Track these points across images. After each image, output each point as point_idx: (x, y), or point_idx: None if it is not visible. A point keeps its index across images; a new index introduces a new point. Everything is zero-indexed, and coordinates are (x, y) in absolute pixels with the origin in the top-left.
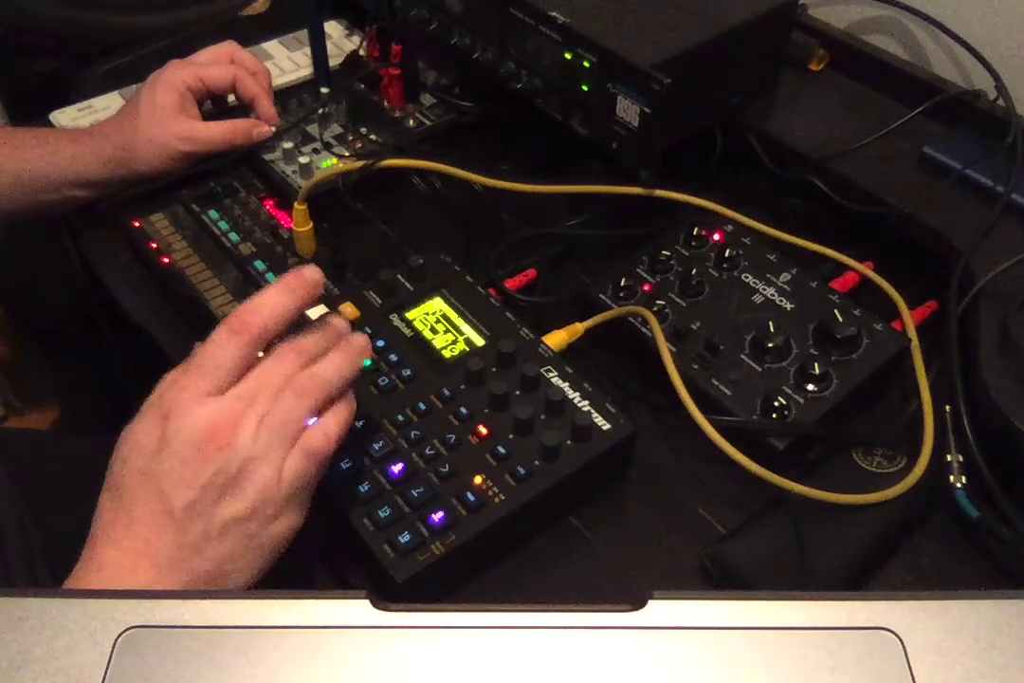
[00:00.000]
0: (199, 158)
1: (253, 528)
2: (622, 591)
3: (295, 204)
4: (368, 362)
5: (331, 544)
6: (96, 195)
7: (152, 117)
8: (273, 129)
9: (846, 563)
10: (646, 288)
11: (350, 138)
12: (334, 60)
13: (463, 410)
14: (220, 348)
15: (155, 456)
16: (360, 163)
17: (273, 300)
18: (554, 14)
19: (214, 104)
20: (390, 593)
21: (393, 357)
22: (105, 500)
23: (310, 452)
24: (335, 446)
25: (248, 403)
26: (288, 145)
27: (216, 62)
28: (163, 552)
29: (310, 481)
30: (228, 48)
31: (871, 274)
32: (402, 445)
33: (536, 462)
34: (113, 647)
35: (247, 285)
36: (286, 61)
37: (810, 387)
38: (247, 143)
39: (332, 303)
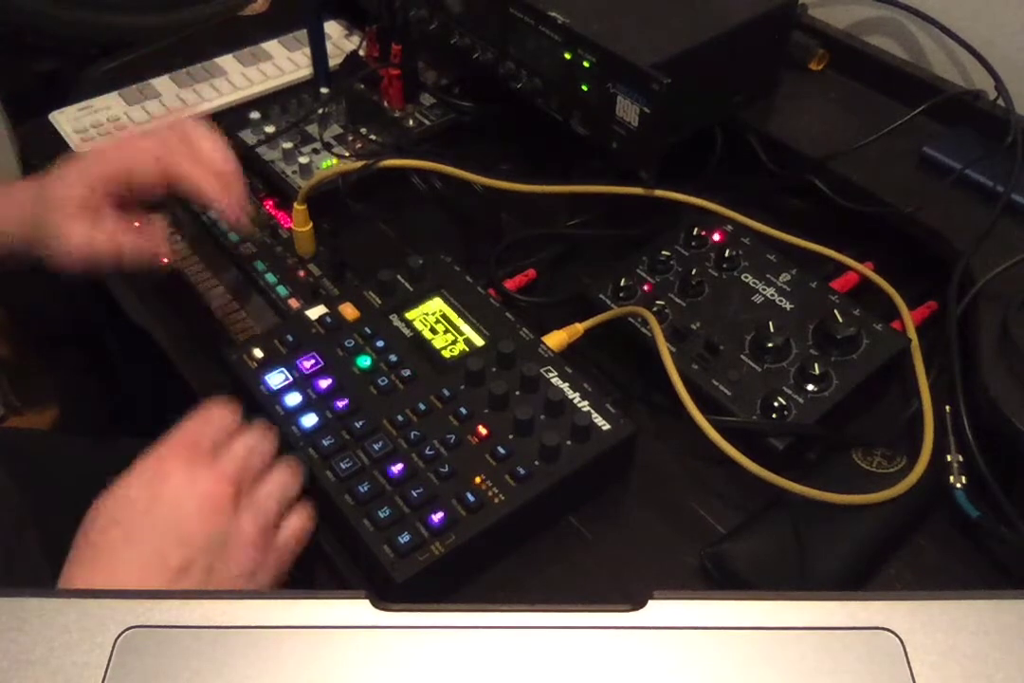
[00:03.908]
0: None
1: (253, 585)
2: (622, 591)
3: (295, 204)
4: (368, 362)
5: (331, 544)
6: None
7: (53, 208)
8: (165, 260)
9: (846, 563)
10: (646, 288)
11: (350, 138)
12: (334, 60)
13: (463, 410)
14: (210, 422)
15: (147, 514)
16: (360, 163)
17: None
18: (554, 14)
19: None
20: (390, 593)
21: (393, 357)
22: (79, 556)
23: (300, 528)
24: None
25: (237, 483)
26: (288, 145)
27: (155, 155)
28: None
29: (300, 548)
30: (183, 131)
31: (871, 274)
32: (402, 445)
33: (536, 462)
34: (113, 647)
35: (247, 285)
36: (286, 61)
37: (810, 387)
38: (138, 266)
39: (332, 303)
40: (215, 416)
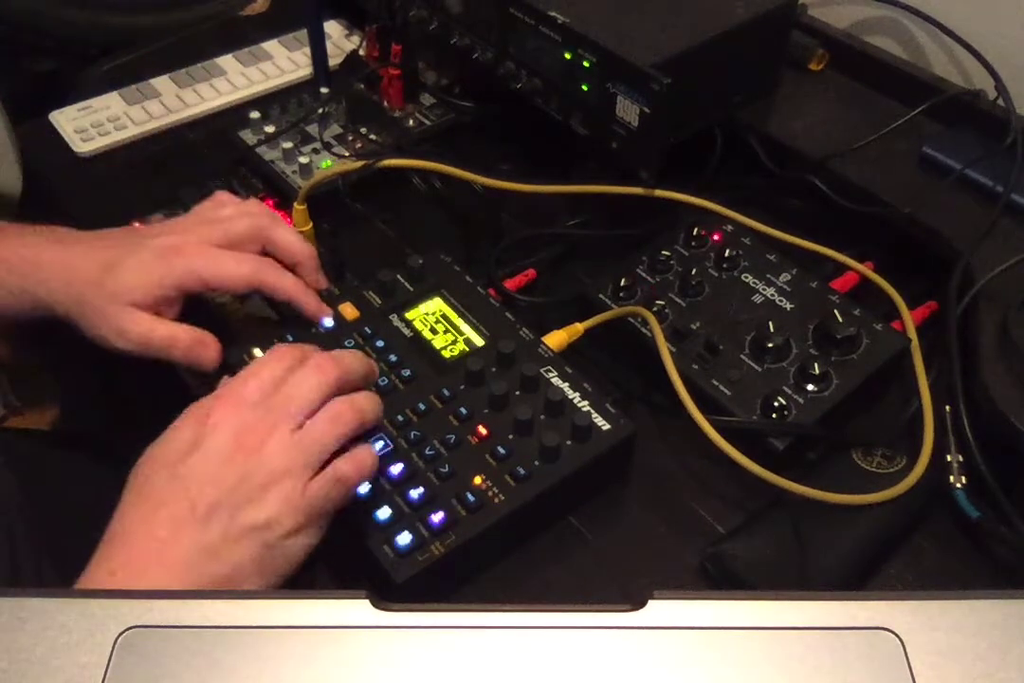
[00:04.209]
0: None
1: (270, 538)
2: (622, 591)
3: (295, 204)
4: None
5: (331, 544)
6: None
7: (118, 297)
8: (215, 357)
9: (846, 563)
10: (646, 288)
11: (350, 138)
12: (334, 60)
13: (463, 410)
14: (265, 367)
15: (186, 457)
16: (360, 163)
17: (348, 358)
18: (554, 14)
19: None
20: (390, 593)
21: (393, 357)
22: (128, 500)
23: (337, 478)
24: (363, 479)
25: (281, 415)
26: (288, 145)
27: (245, 279)
28: (179, 554)
29: (332, 505)
30: (260, 226)
31: (871, 274)
32: (402, 445)
33: (536, 462)
34: (113, 647)
35: None
36: (286, 61)
37: (810, 387)
38: (188, 362)
39: (332, 303)
40: (270, 359)
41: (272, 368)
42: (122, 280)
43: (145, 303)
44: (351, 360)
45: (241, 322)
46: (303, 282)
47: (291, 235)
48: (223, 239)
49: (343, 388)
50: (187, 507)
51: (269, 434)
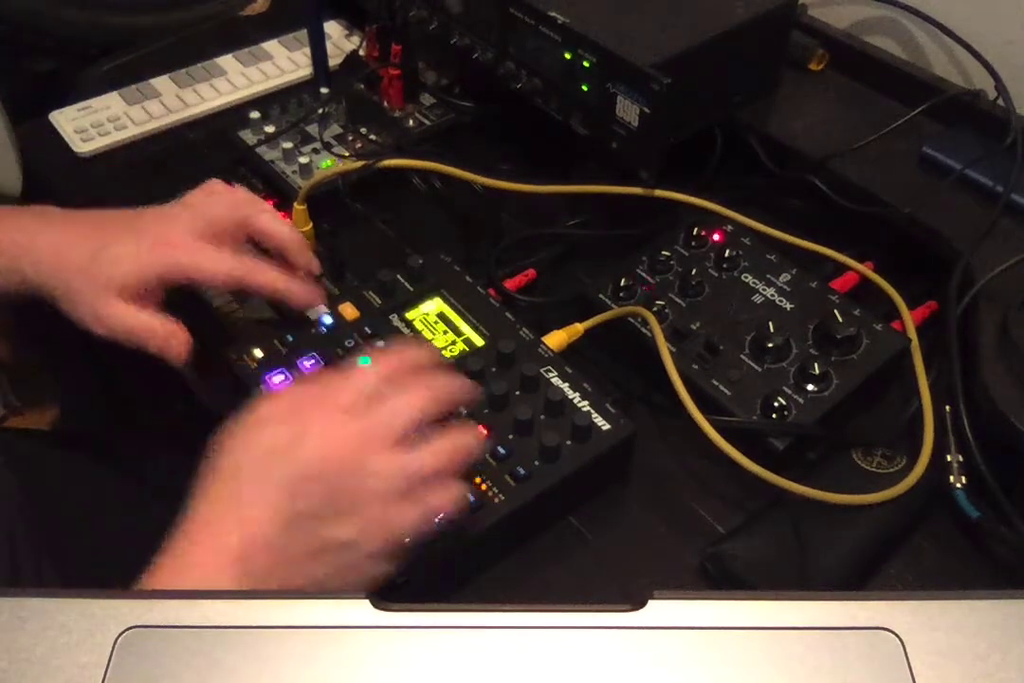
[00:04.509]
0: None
1: (351, 558)
2: (622, 591)
3: (295, 204)
4: (368, 362)
5: None
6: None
7: (101, 286)
8: (182, 352)
9: (846, 563)
10: (646, 288)
11: (350, 138)
12: (334, 60)
13: (462, 410)
14: (365, 376)
15: (281, 457)
16: (360, 163)
17: (457, 384)
18: (554, 14)
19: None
20: (390, 593)
21: None
22: (213, 486)
23: (430, 510)
24: (452, 517)
25: (382, 433)
26: (288, 145)
27: (227, 271)
28: (259, 560)
29: (417, 537)
30: (244, 214)
31: (871, 274)
32: None
33: (536, 462)
34: (113, 647)
35: None
36: (286, 61)
37: (810, 387)
38: (160, 354)
39: (332, 303)
40: (378, 365)
41: (371, 378)
42: (107, 269)
43: (127, 293)
44: (458, 386)
45: (241, 322)
46: (288, 273)
47: (275, 222)
48: (207, 229)
49: (444, 412)
50: (275, 512)
51: (367, 451)
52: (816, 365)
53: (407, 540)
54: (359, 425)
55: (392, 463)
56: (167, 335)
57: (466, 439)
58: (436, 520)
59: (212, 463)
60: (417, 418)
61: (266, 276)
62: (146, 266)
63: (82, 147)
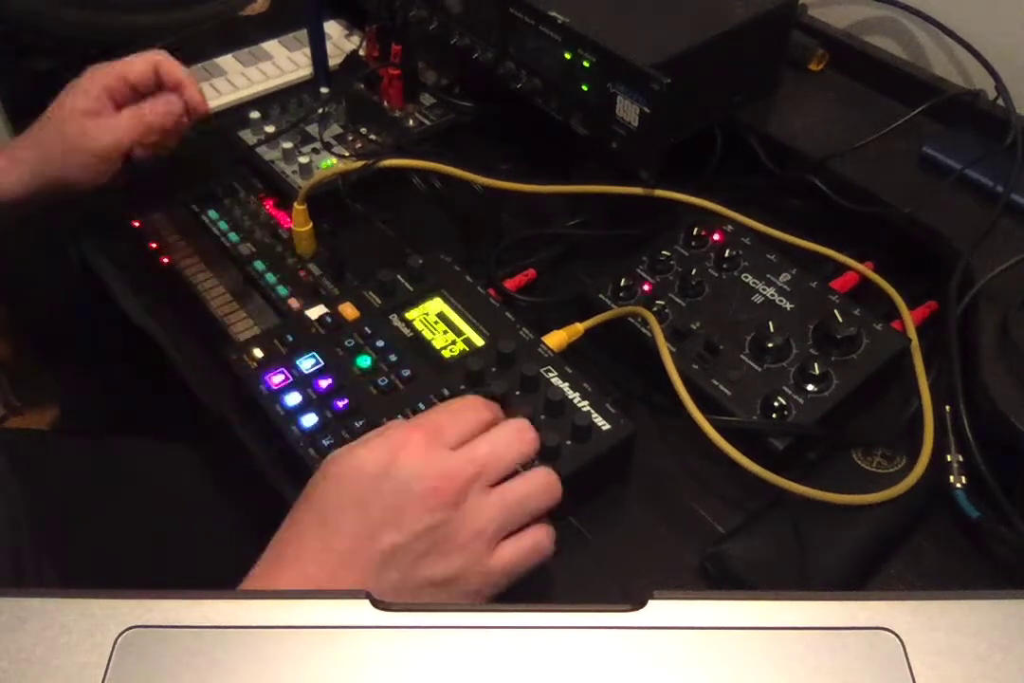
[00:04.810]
0: (120, 159)
1: (449, 596)
2: (622, 591)
3: (295, 204)
4: (368, 362)
5: None
6: (20, 214)
7: (65, 123)
8: (195, 94)
9: (846, 563)
10: (646, 288)
11: (350, 138)
12: (334, 60)
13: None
14: (463, 413)
15: (374, 487)
16: (360, 163)
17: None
18: (554, 14)
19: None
20: None
21: (393, 357)
22: (306, 515)
23: (533, 547)
24: (547, 557)
25: (486, 472)
26: (288, 145)
27: (151, 63)
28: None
29: (520, 574)
30: (155, 55)
31: (871, 274)
32: None
33: (536, 462)
34: (113, 647)
35: (247, 285)
36: (286, 61)
37: (810, 387)
38: (166, 122)
39: (332, 303)
40: (470, 406)
41: (469, 418)
42: (62, 107)
43: (93, 116)
44: (537, 436)
45: (241, 322)
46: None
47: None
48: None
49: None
50: (365, 547)
51: (469, 488)
52: (816, 365)
53: (513, 576)
54: (456, 461)
55: (493, 500)
56: (164, 115)
57: (549, 479)
58: (537, 559)
59: (310, 490)
60: (516, 462)
61: (180, 70)
62: (88, 88)
63: None
